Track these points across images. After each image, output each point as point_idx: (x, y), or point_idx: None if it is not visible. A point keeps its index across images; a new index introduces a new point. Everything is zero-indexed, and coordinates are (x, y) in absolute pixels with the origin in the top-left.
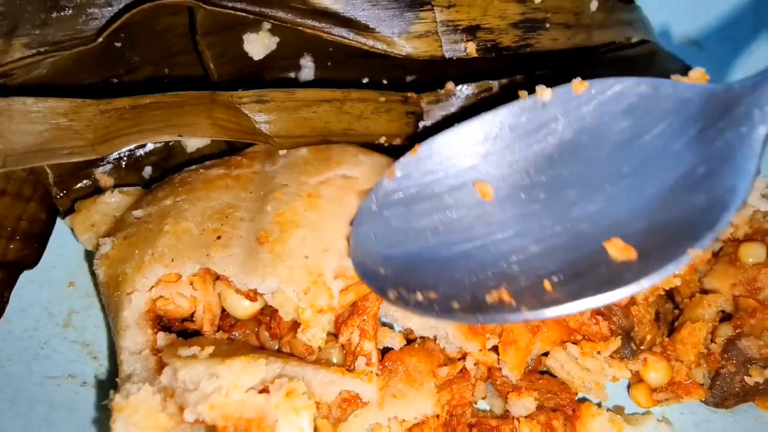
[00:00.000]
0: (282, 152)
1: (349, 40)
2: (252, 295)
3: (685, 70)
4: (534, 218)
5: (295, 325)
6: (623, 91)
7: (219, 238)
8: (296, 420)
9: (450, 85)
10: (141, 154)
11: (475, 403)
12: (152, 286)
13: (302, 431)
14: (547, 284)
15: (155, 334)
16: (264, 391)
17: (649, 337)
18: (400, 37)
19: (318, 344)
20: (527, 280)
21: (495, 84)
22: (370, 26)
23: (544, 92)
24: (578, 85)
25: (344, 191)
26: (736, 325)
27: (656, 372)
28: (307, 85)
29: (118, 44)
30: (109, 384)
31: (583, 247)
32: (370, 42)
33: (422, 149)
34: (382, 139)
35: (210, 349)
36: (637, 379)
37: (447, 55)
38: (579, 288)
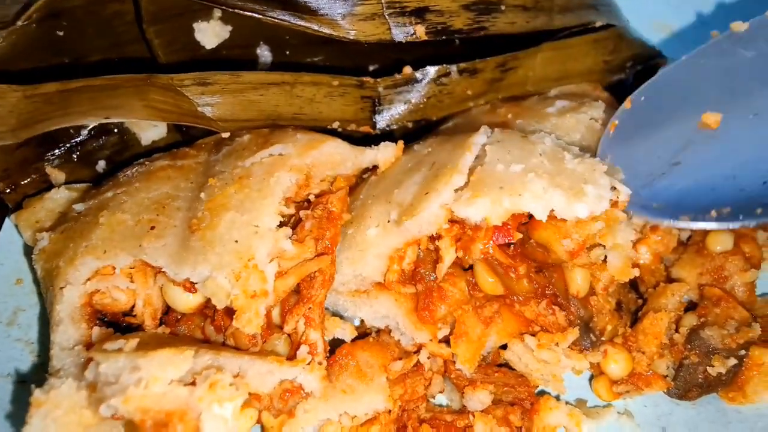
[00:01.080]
0: (225, 135)
1: (291, 23)
2: (189, 286)
3: (654, 55)
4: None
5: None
6: None
7: (153, 228)
8: (220, 412)
9: (408, 69)
10: (94, 147)
11: (433, 398)
12: (87, 280)
13: (226, 423)
14: None
15: (90, 329)
16: (194, 384)
17: (609, 327)
18: (345, 20)
19: (253, 331)
20: None
21: (453, 68)
22: (312, 8)
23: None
24: None
25: (274, 167)
26: (701, 314)
27: (617, 363)
28: None
29: (60, 32)
30: None
31: None
32: (314, 25)
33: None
34: (336, 124)
35: (134, 342)
36: (598, 371)
37: (396, 38)
38: None
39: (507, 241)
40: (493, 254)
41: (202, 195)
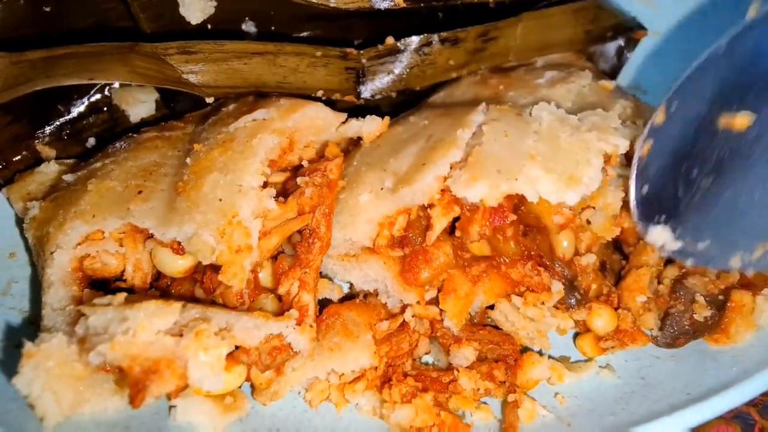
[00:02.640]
0: (210, 100)
1: None
2: (177, 248)
3: (634, 26)
4: None
5: None
6: None
7: (140, 192)
8: (206, 359)
9: (390, 39)
10: (84, 124)
11: (419, 359)
12: (77, 244)
13: (212, 369)
14: None
15: (81, 293)
16: (181, 335)
17: (594, 286)
18: None
19: (238, 285)
20: None
21: (435, 38)
22: None
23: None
24: None
25: (257, 130)
26: (681, 265)
27: (601, 319)
28: None
29: (48, 8)
30: None
31: None
32: None
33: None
34: (320, 93)
35: (122, 296)
36: (584, 329)
37: (376, 5)
38: None
39: (502, 223)
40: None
41: (188, 160)
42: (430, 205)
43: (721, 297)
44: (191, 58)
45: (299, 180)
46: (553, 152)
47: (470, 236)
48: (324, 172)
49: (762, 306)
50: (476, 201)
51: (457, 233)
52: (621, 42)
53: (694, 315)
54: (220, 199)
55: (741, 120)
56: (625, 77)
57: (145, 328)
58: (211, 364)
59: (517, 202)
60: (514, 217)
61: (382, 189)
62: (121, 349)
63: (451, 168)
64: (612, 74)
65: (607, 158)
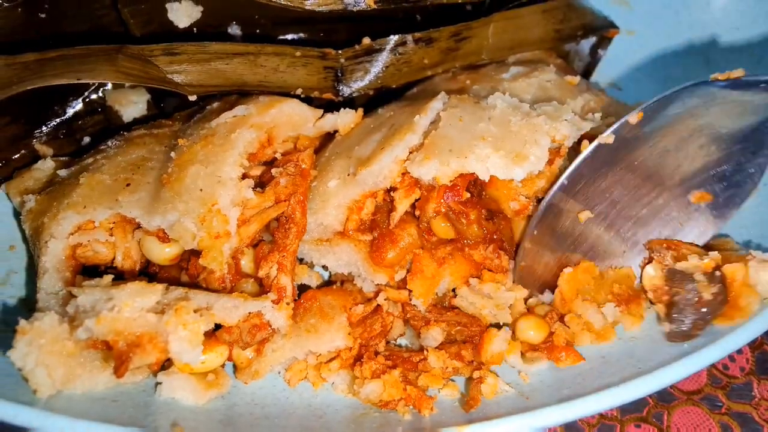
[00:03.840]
0: (192, 98)
1: None
2: (162, 236)
3: (606, 25)
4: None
5: None
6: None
7: (128, 185)
8: (184, 334)
9: (366, 40)
10: (79, 124)
11: (395, 341)
12: (70, 234)
13: (190, 342)
14: None
15: (74, 279)
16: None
17: None
18: None
19: (218, 268)
20: None
21: (409, 38)
22: None
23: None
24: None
25: (236, 125)
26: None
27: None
28: None
29: (43, 15)
30: None
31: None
32: None
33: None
34: (299, 91)
35: (109, 278)
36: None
37: (348, 7)
38: None
39: (456, 200)
40: (446, 206)
41: (172, 154)
42: (393, 189)
43: (717, 272)
44: (175, 59)
45: (274, 171)
46: (504, 134)
47: (426, 214)
48: (296, 162)
49: (755, 275)
50: (430, 179)
51: (417, 212)
52: (594, 40)
53: (702, 295)
54: (201, 189)
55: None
56: (601, 75)
57: (129, 305)
58: (189, 338)
59: (479, 189)
60: (468, 195)
61: (348, 175)
62: (107, 324)
63: (411, 152)
64: (586, 72)
65: (557, 150)
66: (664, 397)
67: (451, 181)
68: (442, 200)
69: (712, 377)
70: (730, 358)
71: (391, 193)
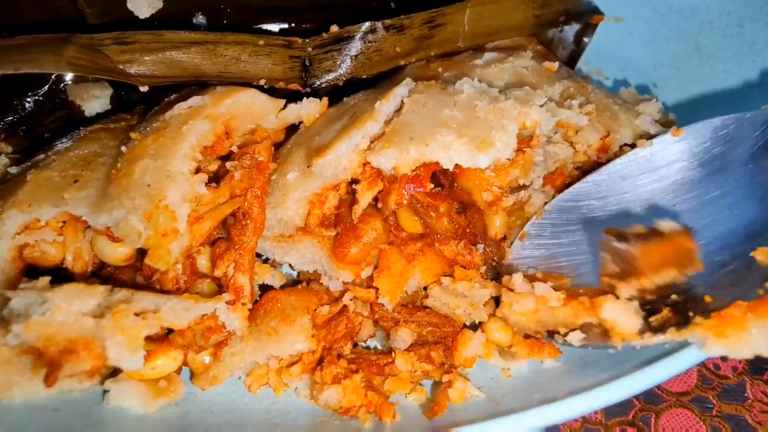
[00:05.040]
0: (143, 89)
1: None
2: (111, 235)
3: (590, 10)
4: None
5: None
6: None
7: (76, 181)
8: (122, 339)
9: (334, 27)
10: (39, 120)
11: (365, 342)
12: (16, 234)
13: (129, 348)
14: None
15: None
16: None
17: None
18: None
19: (163, 267)
20: None
21: (379, 25)
22: None
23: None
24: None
25: (190, 117)
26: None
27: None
28: None
29: None
30: None
31: None
32: None
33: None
34: (262, 82)
35: (46, 280)
36: None
37: None
38: None
39: (421, 191)
40: (412, 197)
41: (123, 148)
42: (356, 181)
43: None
44: (127, 48)
45: (228, 164)
46: (469, 120)
47: (388, 207)
48: (252, 154)
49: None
50: (390, 169)
51: (379, 205)
52: (578, 27)
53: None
54: (149, 185)
55: None
56: (587, 63)
57: (63, 309)
58: (128, 343)
59: (451, 180)
60: (432, 186)
61: (308, 167)
62: (37, 329)
63: (372, 141)
64: (571, 60)
65: (529, 138)
66: (652, 399)
67: (413, 171)
68: (404, 191)
69: (702, 378)
70: (722, 357)
71: (353, 186)
